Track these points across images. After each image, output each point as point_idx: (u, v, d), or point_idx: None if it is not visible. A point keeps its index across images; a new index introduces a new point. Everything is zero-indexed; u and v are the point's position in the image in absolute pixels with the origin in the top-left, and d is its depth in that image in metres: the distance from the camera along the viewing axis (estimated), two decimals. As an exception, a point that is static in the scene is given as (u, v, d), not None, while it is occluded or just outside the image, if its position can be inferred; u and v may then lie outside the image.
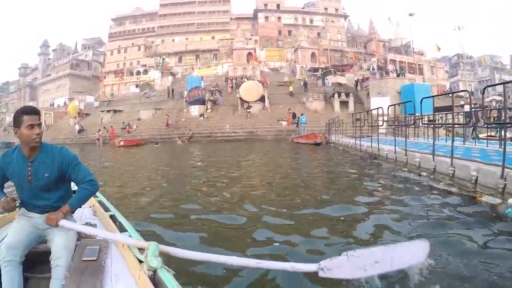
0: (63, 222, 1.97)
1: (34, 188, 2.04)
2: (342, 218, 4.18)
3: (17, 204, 2.14)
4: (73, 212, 2.21)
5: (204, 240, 3.44)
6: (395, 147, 8.45)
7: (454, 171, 5.82)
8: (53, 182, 2.07)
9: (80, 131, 37.37)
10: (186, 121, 33.88)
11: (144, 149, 21.99)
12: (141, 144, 26.69)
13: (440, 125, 11.71)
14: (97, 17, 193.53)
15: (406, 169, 7.60)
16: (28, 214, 2.08)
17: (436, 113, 9.20)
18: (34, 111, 2.05)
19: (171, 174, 8.99)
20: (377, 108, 9.50)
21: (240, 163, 11.37)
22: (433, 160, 6.56)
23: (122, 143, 24.52)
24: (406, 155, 7.81)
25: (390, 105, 8.94)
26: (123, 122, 34.92)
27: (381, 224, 3.85)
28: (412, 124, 8.96)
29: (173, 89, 45.50)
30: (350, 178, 7.31)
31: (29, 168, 2.02)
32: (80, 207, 2.25)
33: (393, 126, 11.14)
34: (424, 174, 6.74)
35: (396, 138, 9.14)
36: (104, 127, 32.87)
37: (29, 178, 2.02)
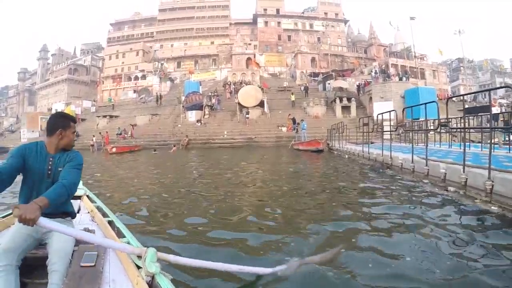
0: (42, 222, 1.69)
1: (51, 183, 2.10)
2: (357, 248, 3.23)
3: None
4: (50, 206, 1.83)
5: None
6: (412, 155, 7.33)
7: (493, 185, 4.76)
8: None
9: (76, 136, 36.13)
10: (183, 127, 32.84)
11: (138, 156, 20.90)
12: (135, 150, 25.56)
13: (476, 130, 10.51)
14: (97, 22, 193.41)
15: (426, 181, 6.53)
16: None
17: (467, 115, 8.13)
18: (76, 121, 2.47)
19: (161, 187, 7.93)
20: (389, 111, 8.39)
21: (237, 178, 10.27)
22: (464, 171, 5.48)
23: (114, 150, 23.40)
24: (427, 165, 6.68)
25: (407, 107, 7.82)
26: (119, 128, 33.89)
27: (409, 258, 2.93)
28: (435, 129, 7.83)
29: (161, 95, 44.89)
30: (363, 194, 6.22)
31: (50, 163, 2.19)
32: (57, 204, 1.97)
33: (407, 132, 10.00)
34: (452, 189, 5.66)
35: (408, 145, 8.10)
36: (100, 133, 31.85)
37: (49, 172, 2.17)
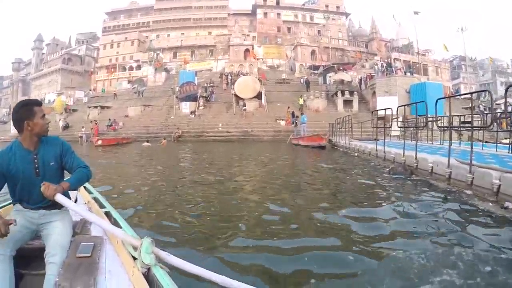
0: (59, 197, 1.94)
1: (41, 180, 2.01)
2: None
3: (12, 202, 2.18)
4: (70, 190, 2.16)
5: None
6: (449, 158, 5.77)
7: None
8: (57, 170, 2.15)
9: (65, 127, 34.51)
10: (175, 119, 31.20)
11: (125, 149, 19.35)
12: (123, 143, 23.90)
13: None
14: (94, 11, 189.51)
15: (469, 192, 5.04)
16: (23, 210, 2.05)
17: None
18: (40, 103, 2.22)
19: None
20: (417, 103, 6.78)
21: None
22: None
23: (100, 142, 21.76)
24: (471, 171, 5.17)
25: (440, 99, 6.28)
26: (109, 119, 32.32)
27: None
28: (487, 126, 6.33)
29: (141, 91, 44.33)
30: (391, 212, 4.69)
31: (36, 161, 2.06)
32: (76, 189, 2.35)
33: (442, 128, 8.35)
34: (511, 205, 4.19)
35: (421, 143, 6.55)
36: (91, 121, 30.59)
37: (37, 170, 2.05)
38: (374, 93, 29.73)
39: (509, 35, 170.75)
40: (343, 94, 31.65)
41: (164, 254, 1.71)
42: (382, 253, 3.01)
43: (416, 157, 7.09)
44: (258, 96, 32.56)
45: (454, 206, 4.55)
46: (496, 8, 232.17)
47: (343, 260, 2.87)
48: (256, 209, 4.80)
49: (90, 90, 55.44)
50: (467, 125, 8.92)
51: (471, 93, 5.63)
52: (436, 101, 6.24)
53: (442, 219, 4.05)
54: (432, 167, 6.33)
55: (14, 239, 1.83)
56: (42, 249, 1.87)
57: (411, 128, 13.78)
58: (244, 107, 30.95)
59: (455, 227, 3.72)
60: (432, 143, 12.38)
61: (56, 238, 1.90)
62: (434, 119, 8.26)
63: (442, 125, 7.86)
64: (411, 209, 4.52)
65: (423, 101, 6.41)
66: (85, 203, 2.99)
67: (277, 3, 67.36)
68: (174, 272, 1.72)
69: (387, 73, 34.01)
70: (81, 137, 27.28)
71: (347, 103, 31.30)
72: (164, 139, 22.97)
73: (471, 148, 5.25)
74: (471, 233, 3.52)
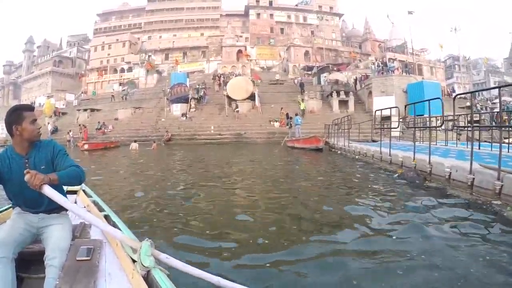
0: (46, 189, 1.80)
1: None
2: None
3: (12, 205, 2.19)
4: (58, 183, 1.91)
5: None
6: (471, 163, 4.96)
7: None
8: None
9: (53, 131, 33.42)
10: (166, 121, 30.24)
11: (112, 154, 18.43)
12: (111, 147, 22.94)
13: None
14: (85, 13, 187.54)
15: (499, 203, 4.27)
16: (23, 213, 2.06)
17: None
18: (32, 108, 2.20)
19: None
20: (431, 99, 5.97)
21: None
22: None
23: (86, 146, 20.80)
24: (500, 178, 4.37)
25: (458, 95, 5.58)
26: (98, 122, 31.34)
27: None
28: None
29: (127, 94, 43.68)
30: (418, 230, 3.88)
31: (27, 165, 2.01)
32: (66, 184, 2.11)
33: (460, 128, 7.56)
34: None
35: (424, 144, 5.75)
36: (79, 125, 29.77)
37: None
38: (370, 93, 29.04)
39: (502, 35, 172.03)
40: (338, 95, 30.85)
41: (164, 257, 1.67)
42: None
43: (429, 161, 6.25)
44: (251, 97, 31.68)
45: (487, 221, 3.76)
46: (489, 8, 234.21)
47: None
48: (261, 221, 4.04)
49: (82, 93, 54.44)
50: (495, 125, 8.20)
51: (499, 87, 4.83)
52: (455, 97, 5.43)
53: (476, 236, 3.27)
54: (450, 172, 5.49)
55: (16, 242, 1.84)
56: (42, 253, 1.86)
57: (413, 128, 13.08)
58: (236, 109, 30.07)
59: (496, 248, 2.95)
60: (436, 144, 11.63)
61: (56, 241, 1.89)
62: (452, 118, 7.47)
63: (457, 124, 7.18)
64: (438, 225, 3.71)
65: (438, 98, 5.64)
66: (84, 207, 2.96)
67: (270, 3, 66.67)
68: (174, 275, 1.67)
69: (382, 72, 33.41)
70: (69, 141, 26.32)
71: (343, 103, 30.52)
72: (154, 142, 21.92)
73: (500, 150, 4.42)
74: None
